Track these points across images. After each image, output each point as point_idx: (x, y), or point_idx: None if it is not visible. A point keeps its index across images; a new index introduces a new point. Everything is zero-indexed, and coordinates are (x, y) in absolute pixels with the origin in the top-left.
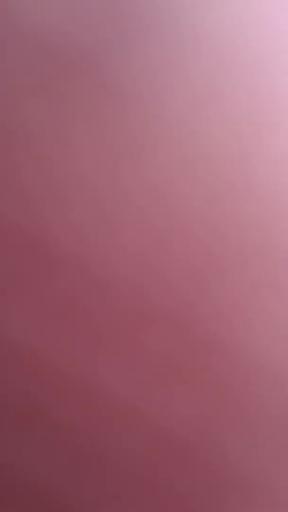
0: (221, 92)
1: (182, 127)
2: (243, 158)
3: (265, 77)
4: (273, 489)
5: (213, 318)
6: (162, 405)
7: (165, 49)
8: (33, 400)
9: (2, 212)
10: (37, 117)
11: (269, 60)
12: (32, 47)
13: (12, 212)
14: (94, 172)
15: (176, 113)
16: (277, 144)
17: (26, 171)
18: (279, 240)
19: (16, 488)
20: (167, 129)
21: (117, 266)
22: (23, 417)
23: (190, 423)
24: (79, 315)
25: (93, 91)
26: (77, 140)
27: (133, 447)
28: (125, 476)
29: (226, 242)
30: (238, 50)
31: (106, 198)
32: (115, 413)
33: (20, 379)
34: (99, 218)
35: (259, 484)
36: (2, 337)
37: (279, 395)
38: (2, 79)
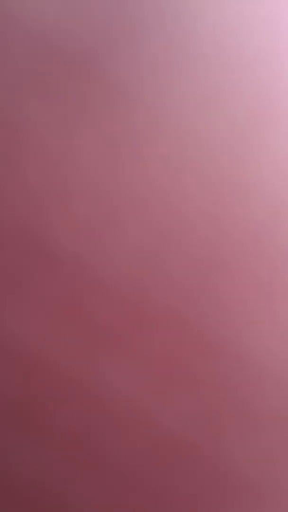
0: (224, 90)
1: (184, 124)
2: (245, 154)
3: (268, 74)
4: (275, 487)
5: (215, 316)
6: (164, 403)
7: (168, 47)
8: (33, 399)
9: (3, 210)
10: (39, 114)
11: (271, 58)
12: (34, 46)
13: (13, 210)
14: (97, 170)
15: (179, 111)
16: (279, 140)
17: (28, 168)
18: (282, 237)
19: (17, 488)
20: (170, 126)
21: (119, 263)
22: (24, 416)
23: (192, 421)
24: (80, 312)
25: (96, 88)
26: (79, 138)
27: (135, 446)
28: (126, 475)
29: (229, 239)
30: (241, 48)
31: (108, 195)
32: (117, 411)
33: (20, 378)
34: (101, 216)
35: (262, 482)
36: (2, 336)
37: (282, 393)
38: (6, 76)
